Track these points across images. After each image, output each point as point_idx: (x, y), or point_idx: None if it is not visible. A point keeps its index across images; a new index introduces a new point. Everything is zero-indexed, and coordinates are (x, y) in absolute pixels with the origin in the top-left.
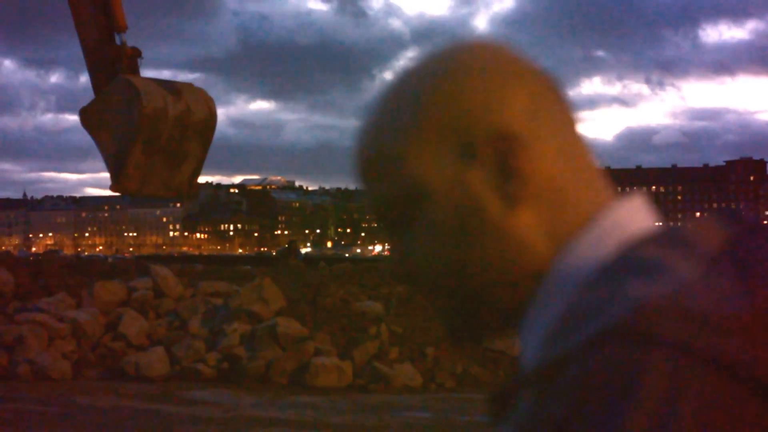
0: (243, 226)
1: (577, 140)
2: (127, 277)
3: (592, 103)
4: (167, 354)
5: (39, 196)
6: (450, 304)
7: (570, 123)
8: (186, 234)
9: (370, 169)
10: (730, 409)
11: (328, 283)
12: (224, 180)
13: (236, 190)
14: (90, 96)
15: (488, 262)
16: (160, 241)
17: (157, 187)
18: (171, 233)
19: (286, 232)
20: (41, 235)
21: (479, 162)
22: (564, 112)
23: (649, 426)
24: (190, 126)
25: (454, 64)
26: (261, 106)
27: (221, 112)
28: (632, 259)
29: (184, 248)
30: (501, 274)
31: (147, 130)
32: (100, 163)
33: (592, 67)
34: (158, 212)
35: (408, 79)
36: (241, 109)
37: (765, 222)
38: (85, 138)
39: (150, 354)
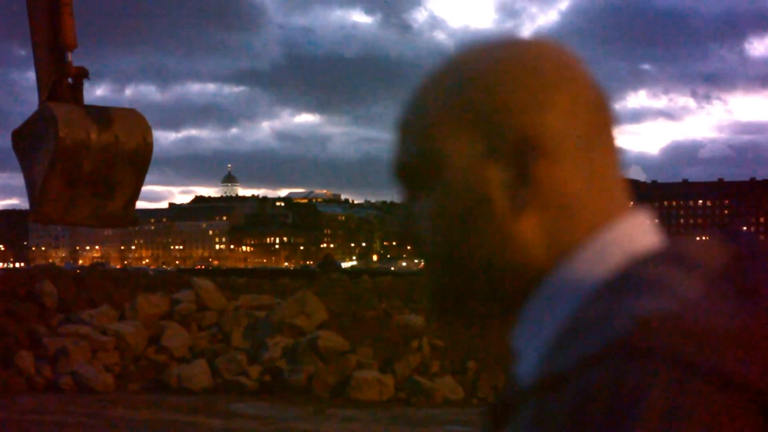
0: (288, 239)
1: (609, 156)
2: (169, 289)
3: (638, 116)
4: (209, 366)
5: None
6: (441, 279)
7: (606, 137)
8: (232, 247)
9: (403, 127)
10: (731, 425)
11: (371, 296)
12: (270, 193)
13: (282, 204)
14: None
15: (482, 253)
16: (206, 254)
17: (84, 216)
18: (217, 246)
19: (331, 246)
20: (88, 248)
21: (500, 159)
22: (602, 127)
23: None
24: (119, 156)
25: (504, 59)
26: (306, 119)
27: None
28: (634, 276)
29: (216, 262)
30: (492, 268)
31: (65, 161)
32: (147, 175)
33: (637, 81)
34: (204, 225)
35: (460, 61)
36: (286, 123)
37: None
38: None
39: (192, 366)
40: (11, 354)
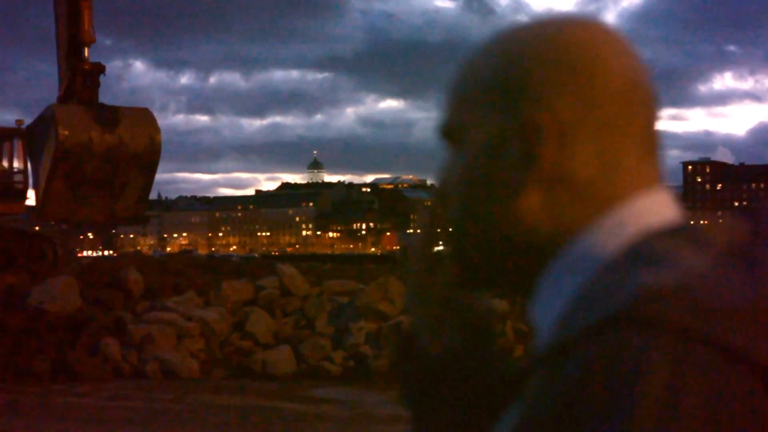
0: (375, 225)
1: (632, 140)
2: (254, 276)
3: (724, 98)
4: (294, 352)
5: (173, 196)
6: (461, 245)
7: (628, 123)
8: (318, 233)
9: (446, 93)
10: (734, 396)
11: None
12: (356, 179)
13: (368, 189)
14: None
15: (493, 224)
16: (293, 240)
17: (92, 214)
18: (304, 232)
19: (418, 231)
20: (175, 235)
21: (510, 138)
22: (624, 114)
23: (654, 413)
24: (123, 157)
25: (530, 41)
26: (390, 104)
27: (350, 112)
28: (644, 250)
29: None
30: (504, 240)
31: (66, 162)
32: (232, 163)
33: (723, 62)
34: (291, 212)
35: (496, 40)
36: (371, 109)
37: None
38: (216, 139)
39: (277, 352)
40: (98, 341)
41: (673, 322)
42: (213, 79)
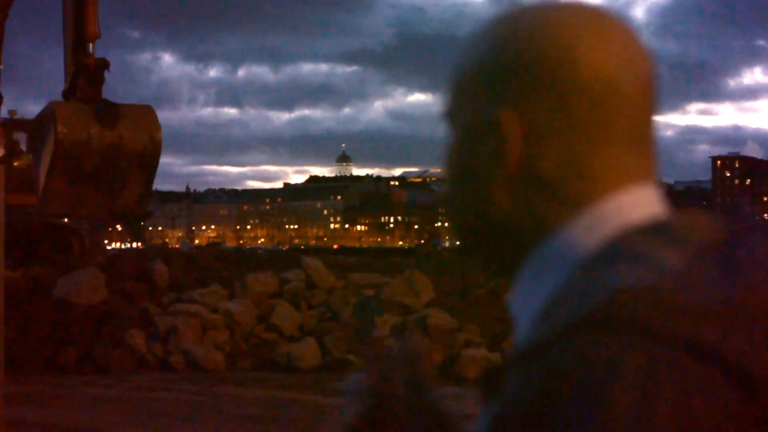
0: (403, 219)
1: (608, 141)
2: (279, 268)
3: (753, 93)
4: (318, 345)
5: (201, 189)
6: (453, 223)
7: (607, 124)
8: (346, 226)
9: (446, 78)
10: (707, 396)
11: (479, 274)
12: (384, 172)
13: (396, 183)
14: None
15: (468, 212)
16: (320, 233)
17: (92, 210)
18: (332, 225)
19: (446, 224)
20: (204, 228)
21: (484, 134)
22: (602, 117)
23: (626, 416)
24: (123, 156)
25: (508, 35)
26: (419, 98)
27: (379, 104)
28: (619, 248)
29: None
30: (481, 230)
31: (65, 160)
32: (261, 155)
33: (753, 57)
34: (319, 205)
35: (483, 30)
36: (399, 102)
37: (764, 221)
38: (245, 132)
39: (302, 345)
40: (123, 333)
41: (645, 323)
42: (242, 72)
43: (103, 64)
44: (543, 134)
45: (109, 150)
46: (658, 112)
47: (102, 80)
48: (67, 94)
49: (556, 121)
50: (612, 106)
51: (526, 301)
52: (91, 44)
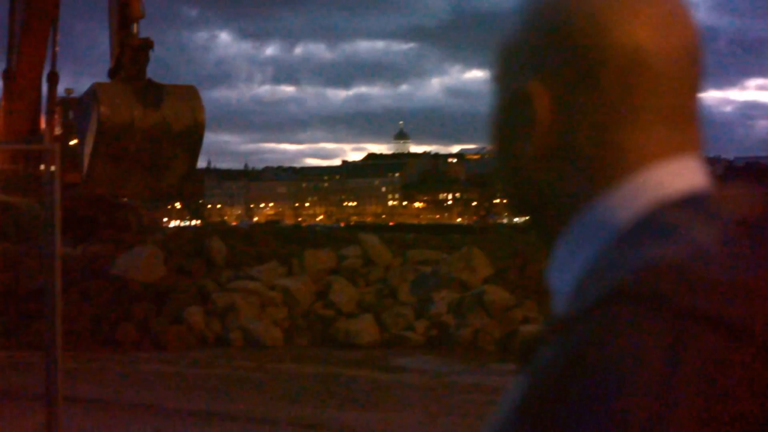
0: (461, 195)
1: (660, 115)
2: (336, 246)
3: None
4: (376, 321)
5: (259, 166)
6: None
7: (651, 98)
8: (405, 203)
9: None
10: (732, 372)
11: (537, 250)
12: (442, 149)
13: (455, 160)
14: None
15: (502, 173)
16: (379, 210)
17: (136, 190)
18: (390, 202)
19: (504, 201)
20: (262, 206)
21: (518, 103)
22: (644, 89)
23: (650, 389)
24: (166, 136)
25: (548, 5)
26: (476, 75)
27: (436, 82)
28: (652, 222)
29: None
30: (519, 197)
31: (108, 141)
32: (318, 132)
33: None
34: (377, 182)
35: (528, 2)
36: (456, 79)
37: None
38: (302, 109)
39: (359, 321)
40: (182, 309)
41: (672, 297)
42: (298, 50)
43: (147, 44)
44: (572, 105)
45: (152, 131)
46: (703, 85)
47: (146, 60)
48: (112, 74)
49: (585, 93)
50: (643, 77)
51: (563, 273)
52: (135, 24)
